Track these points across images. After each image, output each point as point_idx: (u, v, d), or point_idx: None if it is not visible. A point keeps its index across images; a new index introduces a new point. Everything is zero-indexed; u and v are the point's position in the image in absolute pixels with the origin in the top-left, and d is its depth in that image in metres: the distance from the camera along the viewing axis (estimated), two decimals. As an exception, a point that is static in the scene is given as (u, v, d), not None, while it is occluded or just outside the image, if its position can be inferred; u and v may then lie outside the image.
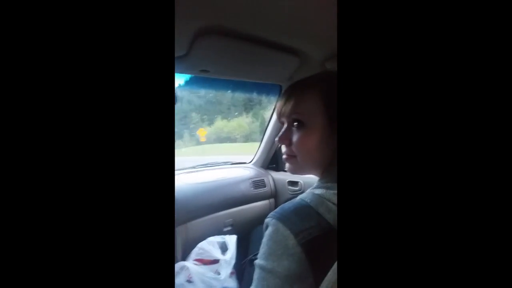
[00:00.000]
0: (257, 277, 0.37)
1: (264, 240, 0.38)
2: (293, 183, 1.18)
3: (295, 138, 0.43)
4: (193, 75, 0.90)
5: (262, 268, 0.37)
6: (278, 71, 0.82)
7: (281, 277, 0.34)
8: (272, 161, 1.33)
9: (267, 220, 0.39)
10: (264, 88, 1.05)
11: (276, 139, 0.47)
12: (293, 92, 0.45)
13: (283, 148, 0.47)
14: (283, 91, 0.49)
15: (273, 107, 1.13)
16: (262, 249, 0.38)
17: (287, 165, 0.47)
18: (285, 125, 0.46)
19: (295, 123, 0.44)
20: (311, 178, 0.46)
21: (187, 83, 0.98)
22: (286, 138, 0.45)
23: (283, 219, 0.37)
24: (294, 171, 0.47)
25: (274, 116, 1.14)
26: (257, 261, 0.38)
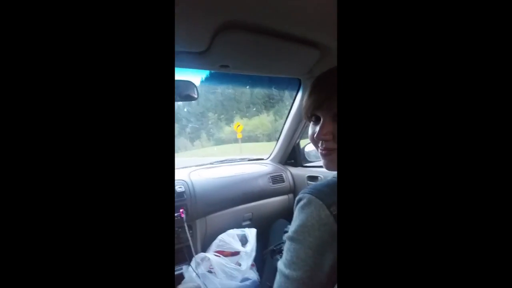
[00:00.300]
0: (288, 249, 0.38)
1: (296, 213, 0.38)
2: (313, 178, 1.18)
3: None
4: (212, 71, 0.92)
5: (293, 240, 0.37)
6: (298, 65, 0.82)
7: (312, 247, 0.35)
8: (290, 157, 1.33)
9: (299, 196, 0.39)
10: (282, 83, 1.04)
11: (312, 136, 0.44)
12: (335, 82, 0.41)
13: (321, 143, 0.43)
14: (315, 83, 0.44)
15: (292, 102, 1.13)
16: (294, 222, 0.38)
17: (326, 160, 0.44)
18: (324, 119, 0.42)
19: None
20: (331, 172, 0.45)
21: (205, 80, 1.00)
22: (328, 133, 0.41)
23: (315, 192, 0.37)
24: (335, 167, 0.43)
25: (292, 112, 1.14)
26: (288, 234, 0.38)
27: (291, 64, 0.81)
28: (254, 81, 1.00)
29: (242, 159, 1.40)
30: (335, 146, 0.41)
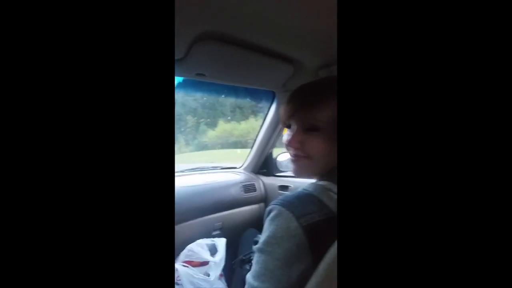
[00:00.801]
0: (257, 261, 0.38)
1: (266, 225, 0.39)
2: (284, 187, 1.20)
3: (309, 141, 0.44)
4: (187, 78, 0.92)
5: (262, 251, 0.37)
6: (273, 78, 0.85)
7: (281, 258, 0.35)
8: (262, 166, 1.35)
9: (269, 207, 0.40)
10: (257, 94, 1.07)
11: (285, 142, 0.46)
12: (308, 96, 0.45)
13: (291, 150, 0.46)
14: (292, 94, 0.48)
15: (265, 114, 1.16)
16: (264, 233, 0.38)
17: (294, 166, 0.47)
18: (295, 128, 0.45)
19: (309, 127, 0.44)
20: (302, 182, 0.47)
21: (180, 86, 0.99)
22: (297, 141, 0.45)
23: (286, 204, 0.38)
24: (301, 172, 0.47)
25: (266, 123, 1.17)
26: (257, 246, 0.39)
27: (266, 77, 0.84)
28: (230, 90, 1.01)
29: (214, 168, 1.38)
30: (303, 154, 0.45)
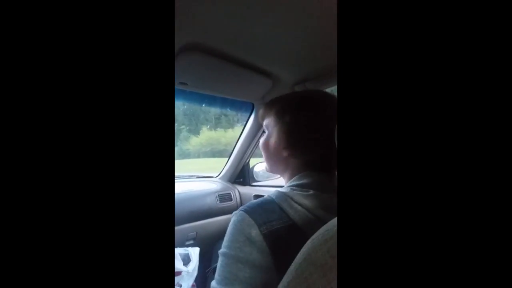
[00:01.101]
0: (220, 264, 0.39)
1: (229, 229, 0.41)
2: (259, 197, 1.22)
3: (261, 142, 0.56)
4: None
5: (225, 255, 0.39)
6: (253, 91, 0.89)
7: (243, 261, 0.37)
8: (239, 176, 1.36)
9: (235, 212, 0.42)
10: (237, 104, 1.10)
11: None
12: (266, 106, 0.56)
13: None
14: (264, 105, 0.58)
15: (244, 124, 1.19)
16: (226, 237, 0.40)
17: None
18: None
19: (263, 130, 0.56)
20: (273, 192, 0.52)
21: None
22: (259, 142, 0.58)
23: (249, 210, 0.41)
24: (267, 168, 0.57)
25: (245, 133, 1.19)
26: (220, 250, 0.40)
27: (246, 89, 0.87)
28: (211, 100, 1.03)
29: (190, 176, 1.37)
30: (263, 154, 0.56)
